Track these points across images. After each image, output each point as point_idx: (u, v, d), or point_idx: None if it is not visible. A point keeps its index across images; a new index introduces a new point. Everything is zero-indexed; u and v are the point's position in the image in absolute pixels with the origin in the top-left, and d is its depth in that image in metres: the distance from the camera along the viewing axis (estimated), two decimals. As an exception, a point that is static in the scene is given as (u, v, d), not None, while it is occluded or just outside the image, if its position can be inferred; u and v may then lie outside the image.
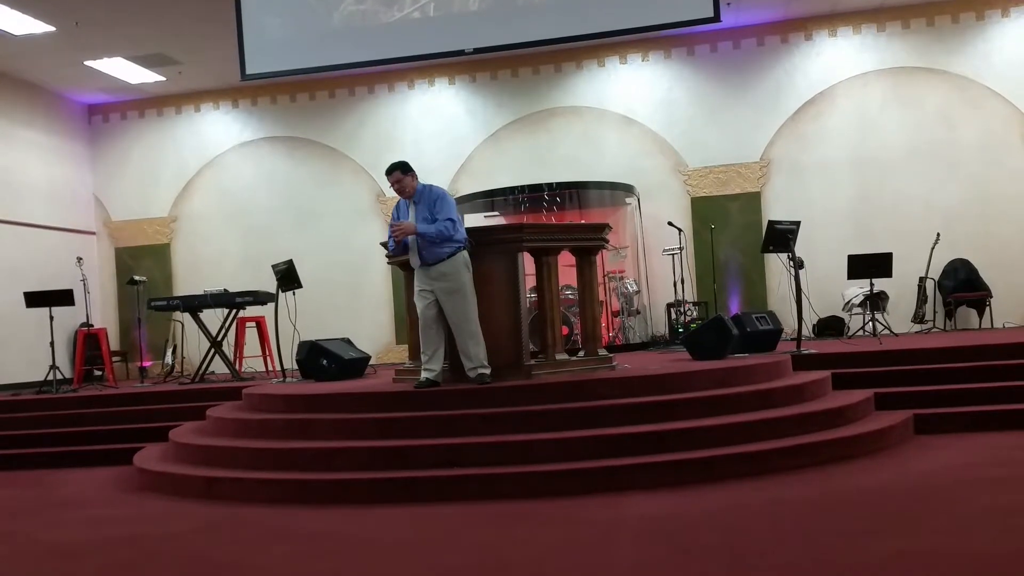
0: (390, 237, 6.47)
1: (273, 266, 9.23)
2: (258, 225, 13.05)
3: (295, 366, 8.98)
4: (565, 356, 6.94)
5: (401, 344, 11.94)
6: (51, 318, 9.52)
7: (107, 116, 13.63)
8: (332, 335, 9.68)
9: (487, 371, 6.26)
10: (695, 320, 10.54)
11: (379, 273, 12.45)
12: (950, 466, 5.18)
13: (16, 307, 10.28)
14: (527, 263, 6.89)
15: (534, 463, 5.31)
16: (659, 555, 3.78)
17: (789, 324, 9.45)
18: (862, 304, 10.56)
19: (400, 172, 6.35)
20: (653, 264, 11.65)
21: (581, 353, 7.28)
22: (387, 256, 7.59)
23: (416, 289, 6.38)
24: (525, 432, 5.63)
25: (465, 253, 6.31)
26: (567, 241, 7.13)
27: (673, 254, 10.80)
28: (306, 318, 9.51)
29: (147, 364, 11.68)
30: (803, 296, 8.03)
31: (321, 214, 12.91)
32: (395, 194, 6.59)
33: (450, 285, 6.22)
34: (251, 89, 12.91)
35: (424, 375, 6.26)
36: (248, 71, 10.52)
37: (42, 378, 9.81)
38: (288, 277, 9.02)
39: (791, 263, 8.07)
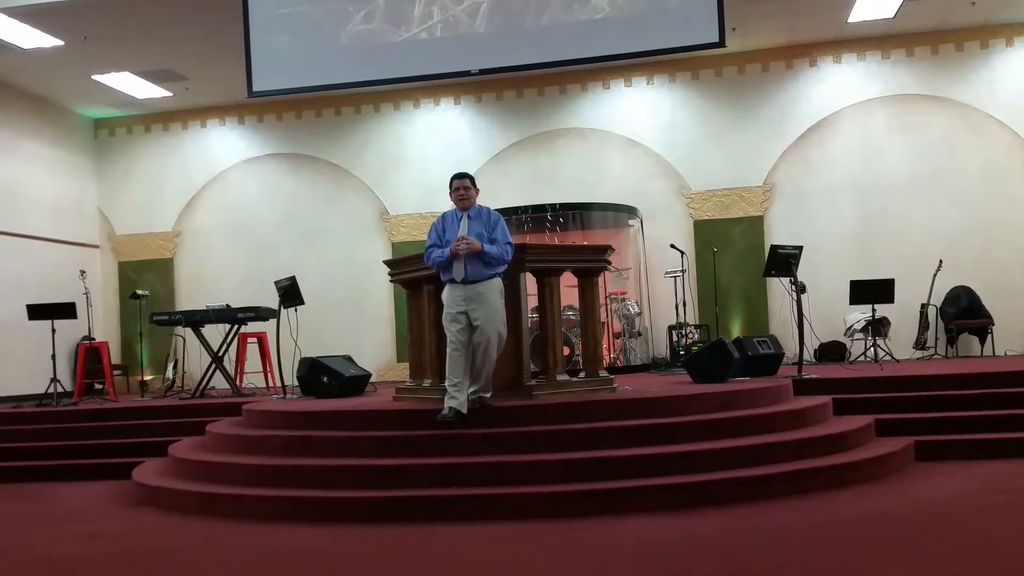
0: (430, 247, 6.19)
1: (276, 282, 9.24)
2: (261, 241, 13.07)
3: (296, 383, 8.97)
4: (566, 377, 6.93)
5: (402, 362, 11.93)
6: (53, 331, 9.52)
7: (113, 130, 13.69)
8: (333, 352, 9.68)
9: (488, 395, 6.17)
10: (696, 343, 10.52)
11: (381, 291, 12.46)
12: (951, 493, 5.16)
13: (18, 319, 10.29)
14: (529, 283, 6.90)
15: (534, 484, 5.29)
16: (658, 579, 3.77)
17: (790, 348, 9.44)
18: (864, 329, 10.55)
19: (470, 181, 6.29)
20: (655, 286, 11.66)
21: (582, 374, 7.27)
22: (390, 274, 7.59)
23: (448, 312, 6.07)
24: (525, 453, 5.61)
25: (500, 280, 6.15)
26: (569, 262, 7.14)
27: (675, 277, 10.80)
28: (308, 335, 9.51)
29: (147, 379, 11.68)
30: (805, 321, 8.02)
31: (324, 231, 12.94)
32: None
33: (485, 307, 5.98)
34: (257, 106, 12.97)
35: (450, 404, 5.89)
36: (255, 88, 10.57)
37: (43, 391, 9.80)
38: (290, 294, 9.03)
39: (793, 287, 8.08)
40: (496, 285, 6.09)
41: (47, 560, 4.63)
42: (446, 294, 6.16)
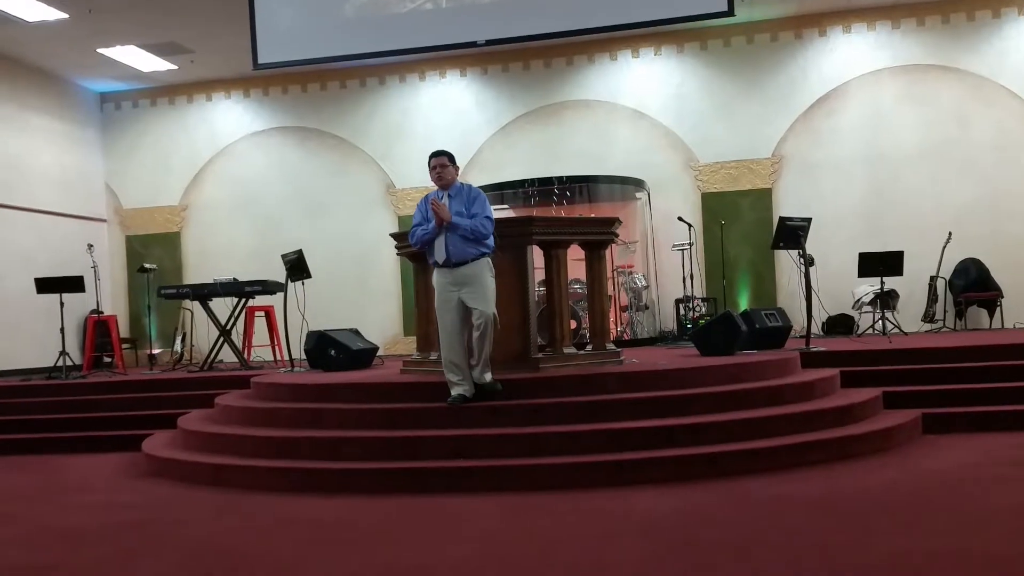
0: (415, 227, 6.08)
1: (283, 256, 9.25)
2: (268, 215, 13.07)
3: (303, 356, 9.00)
4: (573, 350, 6.94)
5: (409, 335, 11.95)
6: (61, 304, 9.56)
7: (119, 104, 13.66)
8: (340, 325, 9.69)
9: (489, 377, 5.90)
10: (704, 316, 10.51)
11: (388, 264, 12.46)
12: (958, 465, 5.16)
13: (27, 293, 10.33)
14: (536, 256, 6.88)
15: (541, 456, 5.31)
16: (665, 549, 3.78)
17: (798, 321, 9.43)
18: (872, 302, 10.51)
19: (447, 159, 6.05)
20: (662, 259, 11.63)
21: (589, 347, 7.27)
22: (396, 247, 7.58)
23: (439, 297, 5.94)
24: (532, 425, 5.63)
25: (490, 259, 5.98)
26: (576, 235, 7.12)
27: (683, 249, 10.77)
28: (315, 308, 9.51)
29: (156, 352, 11.73)
30: (813, 293, 8.00)
31: (331, 204, 12.92)
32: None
33: (474, 290, 5.81)
34: (262, 79, 12.91)
35: (456, 391, 5.84)
36: (260, 60, 10.52)
37: (52, 364, 9.85)
38: (297, 267, 9.04)
39: (801, 260, 8.05)
40: (484, 265, 5.91)
41: (58, 530, 4.67)
42: (436, 279, 6.01)
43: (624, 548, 3.82)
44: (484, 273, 5.89)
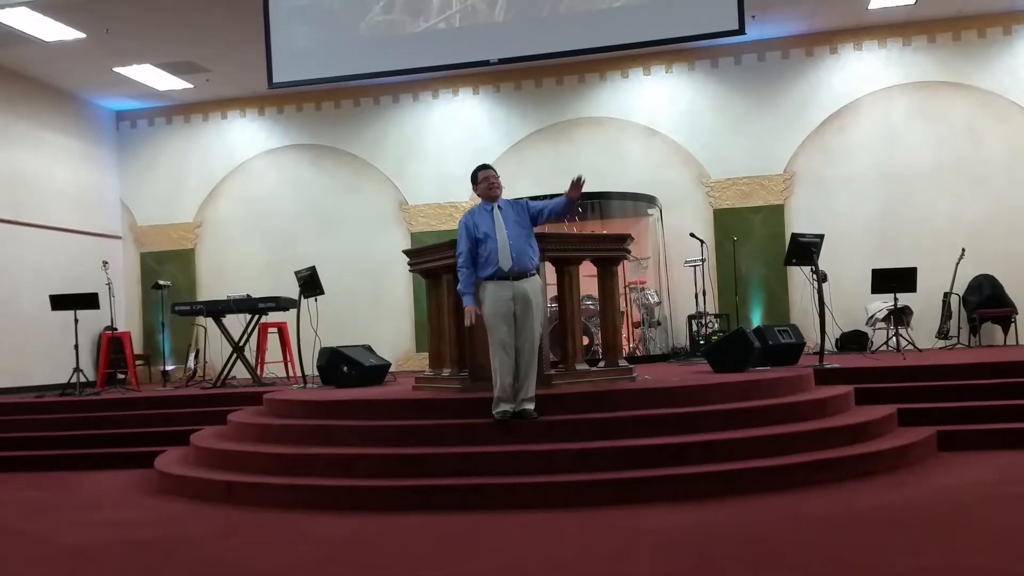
0: (461, 258, 5.85)
1: (296, 272, 9.29)
2: (282, 232, 13.14)
3: (316, 372, 9.01)
4: (585, 366, 6.92)
5: (421, 352, 11.96)
6: (76, 321, 9.61)
7: (135, 122, 13.78)
8: (353, 342, 9.72)
9: (532, 406, 5.74)
10: (716, 332, 10.49)
11: (400, 281, 12.49)
12: (974, 483, 5.12)
13: (42, 310, 10.39)
14: (548, 272, 6.89)
15: (553, 473, 5.29)
16: (678, 567, 3.76)
17: (811, 338, 9.39)
18: (886, 319, 10.47)
19: (495, 172, 6.03)
20: (674, 275, 11.62)
21: (601, 364, 7.26)
22: (409, 264, 7.58)
23: (495, 309, 5.71)
24: (545, 442, 5.61)
25: (540, 278, 5.97)
26: (589, 251, 7.13)
27: (695, 266, 10.76)
28: (327, 325, 9.55)
29: (169, 368, 11.77)
30: (826, 310, 7.97)
31: (344, 222, 12.98)
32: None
33: (531, 303, 5.73)
34: (277, 97, 13.02)
35: (505, 407, 5.66)
36: (275, 79, 10.60)
37: (66, 380, 9.90)
38: (310, 284, 9.07)
39: (814, 276, 8.02)
40: (541, 284, 5.97)
41: (70, 547, 4.68)
42: (491, 291, 5.75)
43: (637, 566, 3.80)
44: (539, 289, 5.95)
